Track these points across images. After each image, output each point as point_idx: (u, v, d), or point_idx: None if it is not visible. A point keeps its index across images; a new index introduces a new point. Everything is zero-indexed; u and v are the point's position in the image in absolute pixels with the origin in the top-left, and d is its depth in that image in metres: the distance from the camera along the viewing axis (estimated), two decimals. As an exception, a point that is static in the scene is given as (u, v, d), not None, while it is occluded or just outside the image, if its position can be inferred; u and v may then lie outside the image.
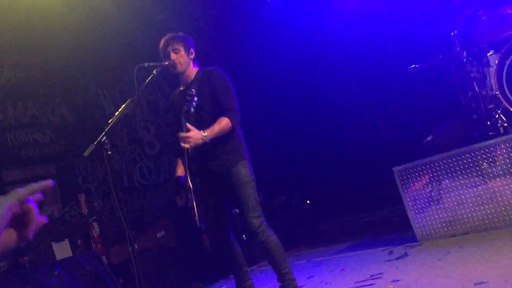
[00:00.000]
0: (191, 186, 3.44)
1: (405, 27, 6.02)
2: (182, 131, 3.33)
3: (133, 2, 6.20)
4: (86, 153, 3.05)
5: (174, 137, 3.68)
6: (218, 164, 3.52)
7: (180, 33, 3.67)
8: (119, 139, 6.82)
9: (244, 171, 3.49)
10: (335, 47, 7.04)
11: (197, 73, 3.65)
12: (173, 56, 3.56)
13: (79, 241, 5.86)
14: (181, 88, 3.74)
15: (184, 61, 3.59)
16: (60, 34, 6.18)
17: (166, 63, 3.55)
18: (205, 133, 3.31)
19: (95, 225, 5.84)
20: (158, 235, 6.06)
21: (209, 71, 3.62)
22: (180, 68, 3.58)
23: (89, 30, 6.29)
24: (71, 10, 5.86)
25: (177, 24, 6.70)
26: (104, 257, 5.28)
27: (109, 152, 3.05)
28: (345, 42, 6.91)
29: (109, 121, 3.16)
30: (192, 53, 3.65)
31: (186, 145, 3.29)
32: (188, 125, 3.31)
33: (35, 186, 1.04)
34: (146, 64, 3.46)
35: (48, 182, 1.04)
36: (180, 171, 3.65)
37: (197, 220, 3.41)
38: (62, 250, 5.68)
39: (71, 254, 5.66)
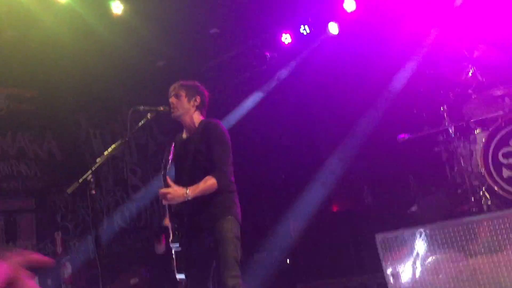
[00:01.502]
0: (173, 235, 3.36)
1: (397, 98, 6.19)
2: (162, 186, 3.27)
3: (134, 45, 6.32)
4: (69, 190, 3.02)
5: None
6: (203, 216, 3.44)
7: (190, 81, 3.66)
8: (104, 179, 6.76)
9: (227, 227, 3.39)
10: (329, 112, 7.20)
11: (200, 122, 3.59)
12: (172, 100, 3.55)
13: (49, 281, 5.67)
14: (184, 136, 3.67)
15: (182, 107, 3.54)
16: (58, 68, 6.25)
17: (161, 108, 3.56)
18: (188, 191, 3.25)
19: (68, 265, 5.68)
20: (132, 281, 5.89)
21: (209, 124, 3.56)
22: (175, 112, 3.54)
23: (86, 67, 6.36)
24: (71, 46, 5.95)
25: (176, 71, 6.81)
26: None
27: (93, 192, 3.01)
28: (337, 108, 7.08)
29: (97, 160, 3.15)
30: (196, 100, 3.59)
31: (164, 202, 3.25)
32: (168, 180, 3.27)
33: (35, 258, 0.99)
34: (141, 108, 3.48)
35: (49, 262, 1.00)
36: (167, 222, 3.57)
37: (176, 270, 3.31)
38: (30, 288, 5.48)
39: (39, 294, 5.46)
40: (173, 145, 3.68)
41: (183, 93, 3.56)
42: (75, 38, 5.90)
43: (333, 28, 6.83)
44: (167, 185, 3.25)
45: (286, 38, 7.20)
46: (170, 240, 3.37)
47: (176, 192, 3.23)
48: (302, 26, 7.06)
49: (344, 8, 6.59)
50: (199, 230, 3.47)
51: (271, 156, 7.64)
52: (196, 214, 3.46)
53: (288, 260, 7.07)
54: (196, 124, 3.59)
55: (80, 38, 5.89)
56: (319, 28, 6.99)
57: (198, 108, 3.61)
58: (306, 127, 7.46)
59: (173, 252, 3.34)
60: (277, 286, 6.63)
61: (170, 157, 3.38)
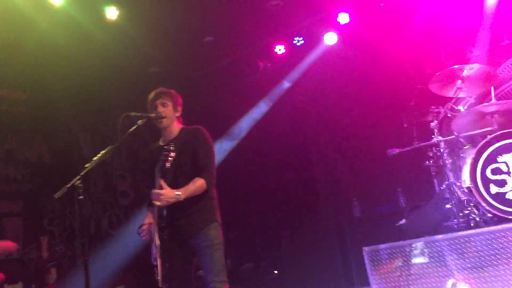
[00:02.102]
0: (158, 242, 3.36)
1: (388, 112, 6.23)
2: (155, 187, 3.31)
3: (127, 51, 6.31)
4: (57, 195, 2.99)
5: (149, 189, 3.65)
6: (188, 222, 3.46)
7: (172, 91, 3.75)
8: (93, 184, 6.72)
9: (213, 233, 3.45)
10: (320, 124, 7.25)
11: (181, 130, 3.69)
12: (160, 109, 3.61)
13: (33, 286, 5.61)
14: (161, 143, 3.73)
15: (170, 117, 3.63)
16: (50, 71, 6.23)
17: (153, 115, 3.59)
18: (179, 192, 3.32)
19: (53, 270, 5.62)
20: (117, 289, 5.83)
21: (194, 130, 3.65)
22: (165, 122, 3.62)
23: (79, 71, 6.35)
24: (65, 50, 5.93)
25: (169, 78, 6.82)
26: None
27: (81, 197, 3.00)
28: (328, 120, 7.13)
29: (86, 166, 3.13)
30: (178, 110, 3.71)
31: (158, 203, 3.29)
32: (162, 182, 3.30)
33: None
34: (132, 114, 3.50)
35: (13, 246, 1.00)
36: (147, 221, 3.58)
37: (160, 279, 3.30)
38: (14, 293, 5.42)
39: (22, 299, 5.39)
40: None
41: (169, 103, 3.65)
42: (69, 42, 5.89)
43: (329, 38, 6.87)
44: (161, 187, 3.29)
45: (280, 49, 7.25)
46: (155, 245, 3.36)
47: (169, 193, 3.29)
48: (296, 38, 7.11)
49: (337, 21, 6.65)
50: (184, 235, 3.47)
51: (261, 167, 7.64)
52: (181, 219, 3.47)
53: (275, 271, 7.05)
54: (176, 132, 3.67)
55: (74, 42, 5.88)
56: (313, 39, 7.04)
57: (178, 117, 3.73)
58: (298, 139, 7.49)
59: (157, 261, 3.33)
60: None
61: (167, 163, 3.37)
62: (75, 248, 6.01)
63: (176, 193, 3.31)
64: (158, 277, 3.31)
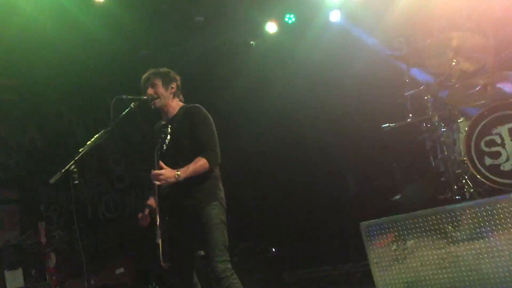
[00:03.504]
0: (159, 222, 3.37)
1: (381, 88, 6.21)
2: (155, 168, 3.30)
3: (117, 34, 6.23)
4: (52, 180, 2.98)
5: (148, 171, 3.66)
6: (191, 202, 3.45)
7: (162, 69, 3.69)
8: (88, 169, 6.70)
9: (215, 212, 3.43)
10: (314, 101, 7.21)
11: (180, 108, 3.64)
12: (150, 91, 3.57)
13: (33, 271, 5.63)
14: (163, 122, 3.70)
15: (162, 96, 3.58)
16: (39, 57, 6.15)
17: (144, 97, 3.56)
18: (179, 172, 3.29)
19: (52, 255, 5.64)
20: (117, 271, 5.87)
21: (191, 108, 3.60)
22: (158, 103, 3.59)
23: (69, 56, 6.27)
24: (53, 35, 5.85)
25: (160, 60, 6.75)
26: (57, 290, 5.07)
27: (76, 182, 2.99)
28: (320, 95, 7.10)
29: (80, 150, 3.11)
30: (173, 87, 3.64)
31: (157, 183, 3.28)
32: (161, 163, 3.29)
33: None
34: (124, 97, 3.47)
35: None
36: (151, 202, 3.58)
37: (161, 258, 3.32)
38: (14, 279, 5.44)
39: (23, 284, 5.42)
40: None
41: (159, 82, 3.60)
42: (57, 26, 5.80)
43: (334, 16, 6.78)
44: (160, 167, 3.27)
45: (271, 27, 7.18)
46: (157, 225, 3.37)
47: (168, 173, 3.26)
48: (287, 15, 7.05)
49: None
50: (185, 215, 3.47)
51: (254, 146, 7.64)
52: (183, 199, 3.46)
53: (273, 249, 7.12)
54: (176, 110, 3.63)
55: (62, 26, 5.79)
56: (305, 17, 6.98)
57: (175, 94, 3.66)
58: (291, 118, 7.47)
59: (158, 241, 3.34)
60: (262, 274, 6.67)
61: (164, 145, 3.36)
62: (73, 233, 6.01)
63: (176, 173, 3.27)
64: (160, 256, 3.32)
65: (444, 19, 5.93)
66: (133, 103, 3.49)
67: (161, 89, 3.58)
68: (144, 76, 3.64)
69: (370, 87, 6.48)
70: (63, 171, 2.99)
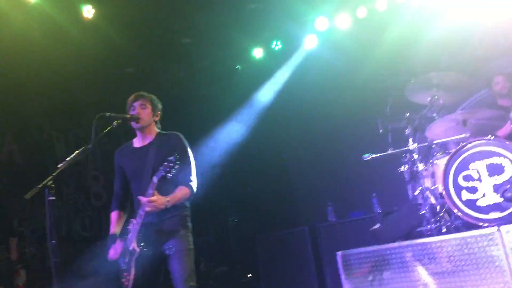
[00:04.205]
0: (137, 249, 3.40)
1: (363, 119, 6.30)
2: (141, 191, 3.35)
3: (104, 50, 6.22)
4: (28, 195, 2.94)
5: (121, 190, 3.77)
6: (163, 229, 3.50)
7: (152, 95, 3.77)
8: (65, 185, 6.59)
9: (186, 239, 3.52)
10: (294, 126, 7.30)
11: (157, 135, 3.70)
12: (138, 110, 3.62)
13: (1, 288, 5.47)
14: (135, 146, 3.73)
15: (148, 119, 3.65)
16: (22, 69, 6.06)
17: (129, 116, 3.57)
18: (169, 199, 3.38)
19: (22, 273, 5.49)
20: (88, 292, 5.73)
21: (171, 136, 3.67)
22: (142, 122, 3.62)
23: (53, 69, 6.21)
24: (38, 47, 5.80)
25: (145, 79, 6.75)
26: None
27: (53, 198, 2.94)
28: (302, 123, 7.18)
29: (58, 166, 3.08)
30: (157, 115, 3.74)
31: (148, 209, 3.33)
32: (155, 191, 3.34)
33: None
34: (107, 114, 3.46)
35: None
36: (117, 229, 3.62)
37: (130, 286, 3.36)
38: (-20, 295, 5.27)
39: (-11, 302, 5.25)
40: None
41: (149, 106, 3.68)
42: (43, 39, 5.77)
43: (310, 41, 6.90)
44: (152, 194, 3.32)
45: (258, 53, 7.27)
46: (131, 259, 3.35)
47: (161, 200, 3.34)
48: (274, 42, 7.15)
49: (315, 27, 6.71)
50: (158, 241, 3.49)
51: (236, 171, 7.63)
52: (157, 225, 3.50)
53: (249, 274, 7.05)
54: (153, 136, 3.69)
55: (48, 39, 5.76)
56: (291, 44, 7.09)
57: (156, 123, 3.76)
58: (273, 144, 7.52)
59: (128, 266, 3.33)
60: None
61: (170, 174, 3.34)
62: (46, 250, 5.88)
63: (167, 200, 3.36)
64: (128, 284, 3.32)
65: (426, 57, 6.08)
66: (115, 121, 3.49)
67: (148, 112, 3.65)
68: (136, 94, 3.69)
69: (353, 117, 6.56)
70: (39, 186, 2.94)
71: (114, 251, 3.53)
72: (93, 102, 6.63)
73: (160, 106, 3.77)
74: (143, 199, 3.32)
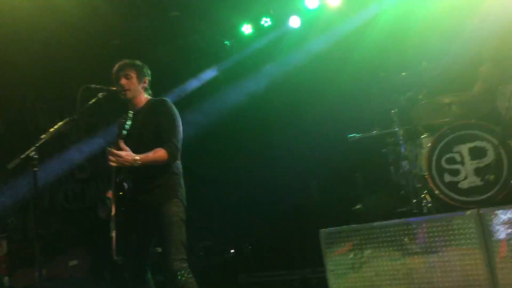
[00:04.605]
0: (114, 213, 3.30)
1: (350, 99, 6.31)
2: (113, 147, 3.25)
3: (90, 20, 6.09)
4: (10, 166, 2.90)
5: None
6: (149, 198, 3.40)
7: (137, 61, 3.65)
8: (48, 157, 6.52)
9: (174, 209, 3.38)
10: (279, 105, 7.29)
11: (147, 101, 3.62)
12: (123, 81, 3.52)
13: (-18, 258, 5.44)
14: (129, 115, 3.65)
15: (134, 88, 3.55)
16: (6, 39, 5.93)
17: (114, 88, 3.51)
18: (138, 157, 3.23)
19: (3, 243, 5.46)
20: (70, 263, 5.74)
21: (158, 102, 3.57)
22: (129, 94, 3.54)
23: (40, 40, 6.10)
24: (23, 16, 5.66)
25: (131, 52, 6.64)
26: (6, 278, 4.92)
27: (36, 169, 2.91)
28: (288, 101, 7.17)
29: (42, 136, 3.04)
30: (145, 82, 3.63)
31: (112, 164, 3.20)
32: (122, 144, 3.24)
33: None
34: (92, 86, 3.41)
35: None
36: (110, 194, 3.52)
37: (114, 252, 3.25)
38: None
39: (-30, 271, 5.23)
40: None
41: (133, 74, 3.57)
42: (29, 9, 5.63)
43: (294, 21, 6.87)
44: (120, 149, 3.22)
45: (247, 29, 7.20)
46: (112, 217, 3.30)
47: (127, 156, 3.20)
48: (263, 18, 7.07)
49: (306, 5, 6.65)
50: (143, 210, 3.42)
51: (221, 149, 7.63)
52: (141, 194, 3.41)
53: (232, 250, 7.10)
54: (143, 103, 3.60)
55: (34, 9, 5.62)
56: (281, 20, 7.02)
57: (145, 89, 3.64)
58: (258, 121, 7.50)
59: (112, 233, 3.27)
60: (219, 275, 6.66)
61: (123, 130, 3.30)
62: (28, 221, 5.85)
63: (135, 158, 3.22)
64: (113, 249, 3.26)
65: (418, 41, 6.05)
66: (101, 93, 3.43)
67: (134, 82, 3.55)
68: (119, 64, 3.58)
69: (339, 96, 6.56)
70: (22, 156, 2.91)
71: (104, 210, 3.40)
72: (78, 73, 6.53)
73: (147, 71, 3.65)
74: (111, 151, 3.19)
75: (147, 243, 3.49)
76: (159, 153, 3.32)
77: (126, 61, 3.61)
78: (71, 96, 6.77)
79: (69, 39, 6.24)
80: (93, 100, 3.41)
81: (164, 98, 3.60)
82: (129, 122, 3.31)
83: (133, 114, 3.49)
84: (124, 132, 3.29)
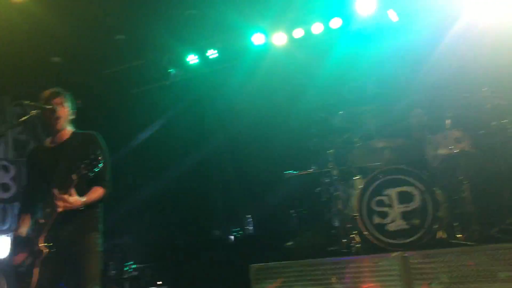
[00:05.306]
0: (45, 250, 3.23)
1: (289, 136, 6.43)
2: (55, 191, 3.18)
3: (31, 34, 5.89)
4: None
5: (33, 191, 3.52)
6: (73, 229, 3.35)
7: (69, 94, 3.58)
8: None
9: (95, 241, 3.40)
10: (217, 136, 7.34)
11: (73, 134, 3.54)
12: (59, 111, 3.43)
13: None
14: (50, 145, 3.54)
15: (65, 119, 3.48)
16: None
17: (49, 107, 3.38)
18: (84, 200, 3.26)
19: None
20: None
21: (88, 136, 3.52)
22: (61, 123, 3.45)
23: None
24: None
25: (70, 72, 6.44)
26: None
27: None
28: (227, 134, 7.24)
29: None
30: (74, 114, 3.57)
31: (61, 208, 3.18)
32: (73, 190, 3.20)
33: None
34: (25, 102, 3.27)
35: None
36: (24, 230, 3.42)
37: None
38: None
39: None
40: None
41: (67, 105, 3.51)
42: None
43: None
44: (68, 194, 3.18)
45: (192, 59, 7.21)
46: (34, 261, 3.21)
47: (76, 200, 3.21)
48: (209, 50, 7.12)
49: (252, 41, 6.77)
50: (66, 242, 3.33)
51: (159, 178, 7.52)
52: (67, 225, 3.33)
53: (159, 282, 6.90)
54: (67, 135, 3.53)
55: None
56: (227, 54, 7.10)
57: (71, 121, 3.59)
58: (197, 154, 7.48)
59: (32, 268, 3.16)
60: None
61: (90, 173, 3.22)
62: None
63: (82, 200, 3.23)
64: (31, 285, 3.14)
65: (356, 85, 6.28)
66: (34, 111, 3.30)
67: (66, 113, 3.48)
68: (54, 90, 3.48)
69: (281, 134, 6.67)
70: None
71: (20, 256, 3.32)
72: (12, 88, 6.23)
73: (76, 104, 3.60)
74: (60, 196, 3.17)
75: (62, 276, 3.40)
76: (99, 192, 3.37)
77: (61, 90, 3.52)
78: (2, 110, 6.50)
79: (6, 51, 5.97)
80: (24, 118, 3.27)
81: (93, 133, 3.55)
82: (100, 165, 3.22)
83: (56, 146, 3.45)
84: (91, 175, 3.21)
